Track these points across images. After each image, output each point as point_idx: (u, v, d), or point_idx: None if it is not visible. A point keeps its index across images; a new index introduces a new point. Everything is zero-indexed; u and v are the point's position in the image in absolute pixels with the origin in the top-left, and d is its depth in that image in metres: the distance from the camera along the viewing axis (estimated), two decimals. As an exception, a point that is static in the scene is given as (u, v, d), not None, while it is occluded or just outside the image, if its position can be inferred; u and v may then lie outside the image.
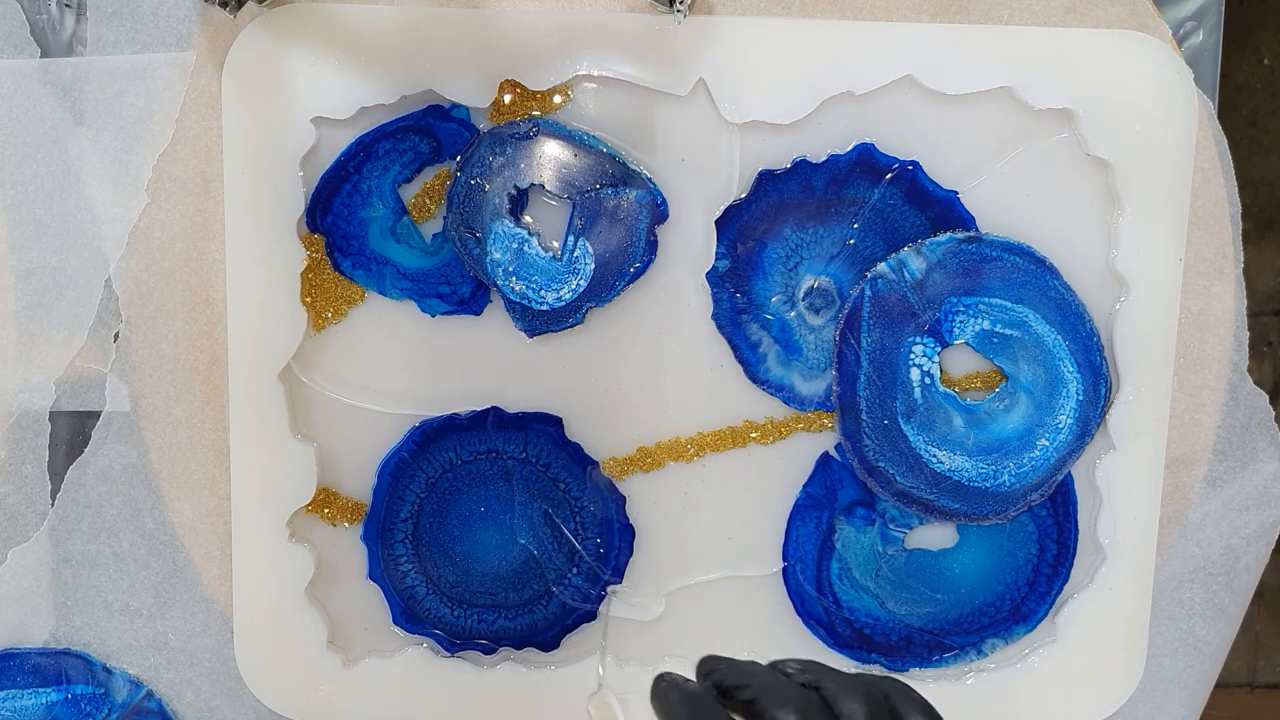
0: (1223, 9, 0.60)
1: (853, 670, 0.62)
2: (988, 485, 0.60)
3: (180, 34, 0.58)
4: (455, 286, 0.60)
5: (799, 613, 0.62)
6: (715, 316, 0.60)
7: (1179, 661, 0.63)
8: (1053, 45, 0.58)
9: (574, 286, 0.59)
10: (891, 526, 0.61)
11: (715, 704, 0.41)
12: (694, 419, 0.61)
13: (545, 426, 0.60)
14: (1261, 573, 0.63)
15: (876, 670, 0.62)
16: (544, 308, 0.59)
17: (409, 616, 0.61)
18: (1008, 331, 0.60)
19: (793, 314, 0.60)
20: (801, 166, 0.59)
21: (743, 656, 0.61)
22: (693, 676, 0.43)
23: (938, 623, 0.62)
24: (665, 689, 0.41)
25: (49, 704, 0.61)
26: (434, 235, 0.59)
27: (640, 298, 0.60)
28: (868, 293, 0.59)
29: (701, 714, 0.40)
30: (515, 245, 0.58)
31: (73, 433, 0.60)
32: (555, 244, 0.59)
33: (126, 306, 0.59)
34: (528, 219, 0.59)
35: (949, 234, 0.59)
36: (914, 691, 0.41)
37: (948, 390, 0.60)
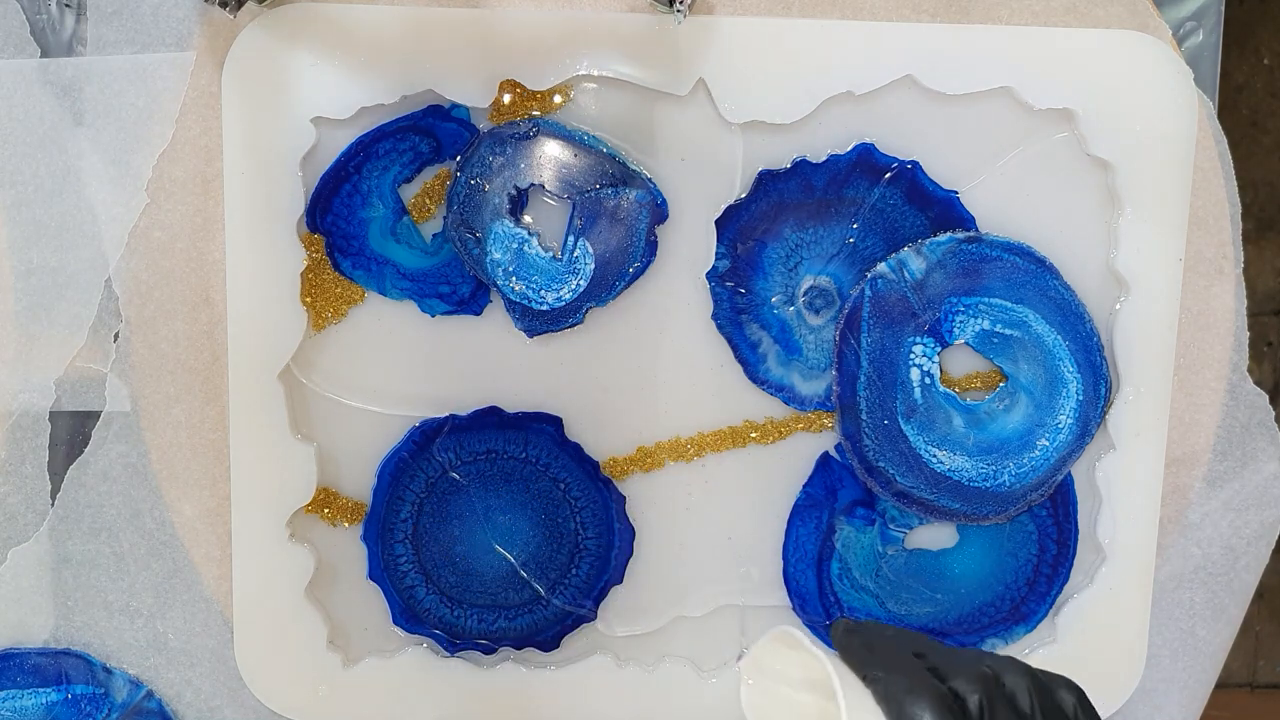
0: (1223, 9, 0.60)
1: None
2: (988, 485, 0.60)
3: (180, 34, 0.58)
4: (455, 286, 0.60)
5: (799, 613, 0.62)
6: (715, 316, 0.60)
7: (1179, 661, 0.63)
8: (1053, 45, 0.58)
9: (574, 286, 0.59)
10: (891, 526, 0.61)
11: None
12: (694, 419, 0.61)
13: (545, 426, 0.60)
14: (1261, 573, 0.63)
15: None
16: (544, 308, 0.59)
17: (409, 616, 0.61)
18: (1008, 331, 0.60)
19: (792, 312, 0.60)
20: (801, 166, 0.59)
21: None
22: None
23: (938, 623, 0.62)
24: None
25: (49, 704, 0.61)
26: (434, 235, 0.59)
27: (640, 298, 0.60)
28: (868, 293, 0.59)
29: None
30: (515, 245, 0.58)
31: (73, 433, 0.60)
32: (555, 244, 0.59)
33: (126, 306, 0.59)
34: (528, 219, 0.59)
35: (949, 234, 0.59)
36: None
37: (948, 390, 0.60)
